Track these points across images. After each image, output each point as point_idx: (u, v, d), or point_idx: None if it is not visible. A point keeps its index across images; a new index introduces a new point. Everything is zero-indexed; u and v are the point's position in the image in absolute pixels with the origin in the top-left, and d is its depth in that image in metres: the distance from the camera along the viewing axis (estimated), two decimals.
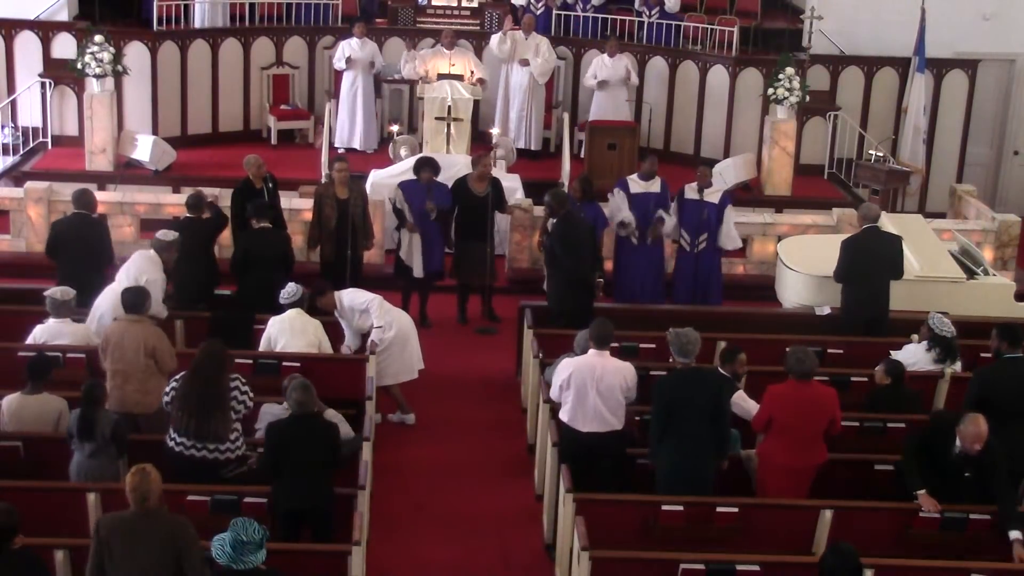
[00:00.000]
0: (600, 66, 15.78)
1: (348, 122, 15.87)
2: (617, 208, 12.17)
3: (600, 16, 16.85)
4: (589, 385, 8.27)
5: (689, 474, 7.96)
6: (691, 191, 12.20)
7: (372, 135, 16.03)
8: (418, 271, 12.01)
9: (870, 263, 10.75)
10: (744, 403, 8.60)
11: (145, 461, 6.63)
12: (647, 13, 16.72)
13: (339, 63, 15.85)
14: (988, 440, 7.70)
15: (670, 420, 7.99)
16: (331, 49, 16.35)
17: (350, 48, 15.73)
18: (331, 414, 8.61)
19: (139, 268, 9.88)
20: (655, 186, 12.25)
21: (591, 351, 8.42)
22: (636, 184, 12.25)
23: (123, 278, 9.85)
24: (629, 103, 16.23)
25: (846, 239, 10.99)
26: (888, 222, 11.72)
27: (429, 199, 11.77)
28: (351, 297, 10.20)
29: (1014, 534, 7.60)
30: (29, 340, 9.49)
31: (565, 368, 8.40)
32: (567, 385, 8.34)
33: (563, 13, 16.94)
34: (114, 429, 7.90)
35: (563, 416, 8.44)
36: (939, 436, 7.90)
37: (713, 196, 12.20)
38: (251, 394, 8.17)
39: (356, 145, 15.88)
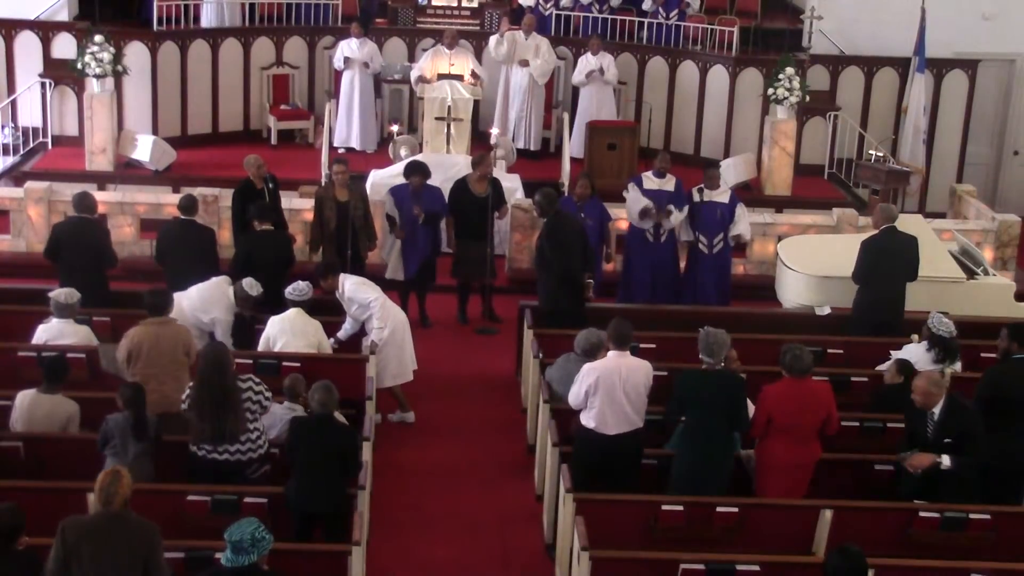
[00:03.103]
0: (585, 64, 15.84)
1: (346, 122, 15.89)
2: (635, 200, 12.16)
3: (600, 16, 16.86)
4: (618, 387, 8.18)
5: (706, 473, 7.98)
6: (700, 193, 12.17)
7: (371, 135, 16.04)
8: (391, 272, 12.02)
9: (889, 264, 10.71)
10: None
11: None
12: (664, 15, 16.69)
13: (338, 63, 15.90)
14: (963, 406, 7.85)
15: (687, 418, 8.01)
16: (331, 49, 16.38)
17: (348, 48, 15.76)
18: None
19: (212, 301, 9.84)
20: (669, 184, 12.20)
21: (611, 352, 8.34)
22: (650, 181, 12.22)
23: (194, 297, 9.85)
24: (627, 102, 16.25)
25: (865, 240, 10.92)
26: None
27: (416, 203, 11.77)
28: (355, 289, 10.17)
29: (945, 458, 7.77)
30: (33, 339, 9.49)
31: (589, 373, 8.27)
32: (594, 390, 8.22)
33: (569, 13, 16.93)
34: (156, 429, 7.96)
35: (588, 423, 8.29)
36: (913, 417, 8.08)
37: (723, 196, 12.18)
38: (267, 392, 8.17)
39: (355, 145, 15.89)
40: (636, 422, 8.29)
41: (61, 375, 8.45)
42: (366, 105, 15.93)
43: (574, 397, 8.40)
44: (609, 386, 8.20)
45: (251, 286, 9.83)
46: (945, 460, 7.78)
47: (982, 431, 7.93)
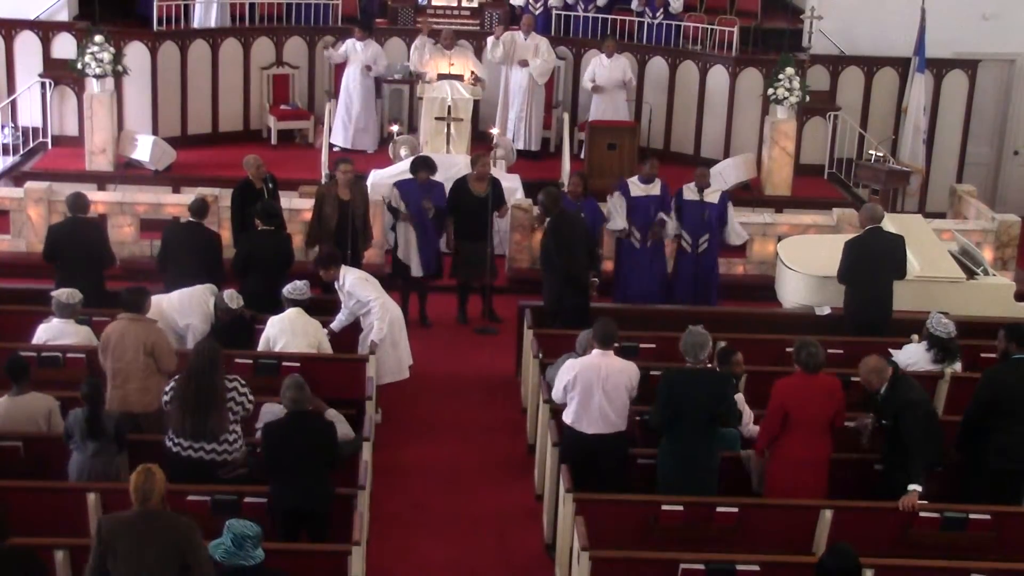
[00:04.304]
0: (598, 66, 15.80)
1: (343, 122, 15.86)
2: (613, 212, 12.20)
3: (600, 16, 16.86)
4: (595, 386, 8.22)
5: (690, 471, 7.98)
6: (690, 192, 12.20)
7: (371, 136, 16.00)
8: (416, 270, 12.02)
9: (874, 264, 10.72)
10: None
11: (146, 461, 6.65)
12: (650, 15, 16.72)
13: (337, 58, 15.95)
14: (907, 393, 8.04)
15: (673, 417, 8.02)
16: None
17: (352, 48, 15.74)
18: (331, 414, 8.61)
19: (191, 308, 9.82)
20: (655, 189, 12.25)
21: (595, 351, 8.37)
22: (636, 187, 12.25)
23: (175, 300, 9.84)
24: (629, 103, 16.26)
25: (849, 240, 10.96)
26: (888, 222, 11.72)
27: (426, 198, 11.79)
28: (356, 284, 10.15)
29: (912, 486, 7.83)
30: (34, 339, 9.50)
31: (569, 369, 8.34)
32: (572, 386, 8.28)
33: (563, 13, 16.94)
34: (116, 427, 7.92)
35: (567, 419, 8.37)
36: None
37: (712, 196, 12.21)
38: (251, 396, 8.17)
39: (352, 145, 15.85)
40: (616, 424, 8.28)
41: (22, 374, 8.37)
42: (366, 106, 15.90)
43: (555, 391, 8.48)
44: (586, 383, 8.23)
45: (231, 298, 9.80)
46: (916, 488, 7.87)
47: (920, 399, 8.12)
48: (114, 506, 7.01)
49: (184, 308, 9.82)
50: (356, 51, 15.78)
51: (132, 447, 8.04)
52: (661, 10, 16.68)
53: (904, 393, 8.08)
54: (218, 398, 7.92)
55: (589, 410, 8.26)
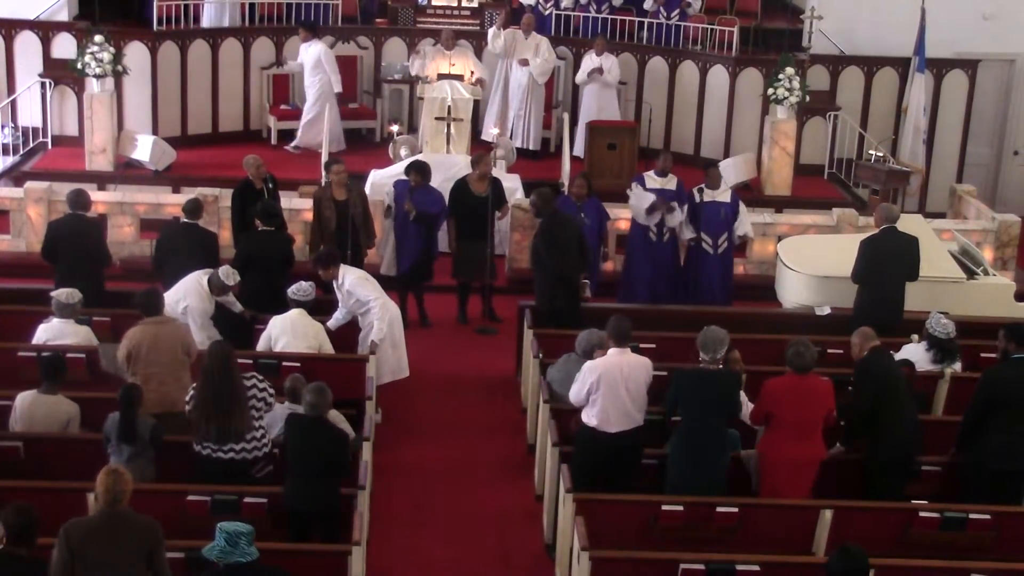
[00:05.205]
0: (588, 64, 15.82)
1: (307, 125, 15.80)
2: (640, 197, 12.18)
3: (601, 16, 16.86)
4: (620, 384, 8.21)
5: (702, 473, 7.99)
6: (701, 193, 12.17)
7: (336, 134, 15.76)
8: (386, 268, 12.04)
9: (887, 264, 10.72)
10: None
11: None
12: (665, 15, 16.70)
13: (295, 67, 15.96)
14: (866, 365, 8.39)
15: (683, 418, 8.06)
16: (331, 49, 16.35)
17: (303, 51, 15.70)
18: (332, 415, 8.60)
19: (186, 291, 9.82)
20: (671, 183, 12.24)
21: (612, 350, 8.35)
22: (652, 180, 12.26)
23: (170, 291, 9.86)
24: (627, 102, 16.25)
25: (864, 239, 10.95)
26: None
27: (408, 200, 11.77)
28: (356, 284, 10.14)
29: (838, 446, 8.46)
30: (34, 339, 9.50)
31: (591, 371, 8.28)
32: (596, 388, 8.24)
33: (572, 13, 16.93)
34: (152, 431, 7.92)
35: (590, 422, 8.30)
36: None
37: (724, 195, 12.22)
38: (271, 390, 8.20)
39: (305, 144, 15.80)
40: (637, 419, 8.31)
41: (59, 375, 8.44)
42: (326, 106, 15.49)
43: (575, 395, 8.41)
44: (611, 383, 8.21)
45: (227, 275, 9.80)
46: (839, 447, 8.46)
47: (871, 369, 8.36)
48: None
49: (179, 292, 9.81)
50: (299, 54, 15.75)
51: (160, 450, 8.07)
52: (677, 10, 16.67)
53: (862, 364, 8.40)
54: (239, 398, 7.91)
55: (615, 409, 8.22)
